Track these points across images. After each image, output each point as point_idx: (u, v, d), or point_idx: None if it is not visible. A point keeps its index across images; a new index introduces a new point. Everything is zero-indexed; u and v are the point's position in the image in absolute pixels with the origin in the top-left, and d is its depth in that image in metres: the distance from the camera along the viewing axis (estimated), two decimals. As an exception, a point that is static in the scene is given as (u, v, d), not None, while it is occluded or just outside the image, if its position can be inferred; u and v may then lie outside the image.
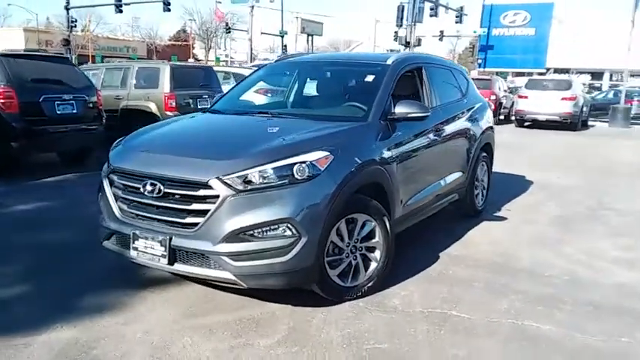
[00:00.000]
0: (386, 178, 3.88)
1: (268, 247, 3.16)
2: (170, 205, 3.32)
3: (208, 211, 3.19)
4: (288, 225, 3.17)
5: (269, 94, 5.78)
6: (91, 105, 8.68)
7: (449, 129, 5.00)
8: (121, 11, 37.07)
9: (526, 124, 18.03)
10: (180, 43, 62.42)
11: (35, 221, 5.59)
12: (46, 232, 5.19)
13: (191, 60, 50.05)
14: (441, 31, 43.44)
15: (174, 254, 3.29)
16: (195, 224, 3.23)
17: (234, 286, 3.41)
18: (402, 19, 28.07)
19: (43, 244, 4.82)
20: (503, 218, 5.99)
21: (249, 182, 3.18)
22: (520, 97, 17.69)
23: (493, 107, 17.62)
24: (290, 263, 3.19)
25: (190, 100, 10.54)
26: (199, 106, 10.69)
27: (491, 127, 6.23)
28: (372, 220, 3.69)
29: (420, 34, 36.57)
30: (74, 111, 8.28)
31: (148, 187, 3.35)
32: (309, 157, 3.30)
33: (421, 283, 4.03)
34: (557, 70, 44.85)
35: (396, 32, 41.55)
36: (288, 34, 47.19)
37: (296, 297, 3.57)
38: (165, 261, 3.30)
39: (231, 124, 4.24)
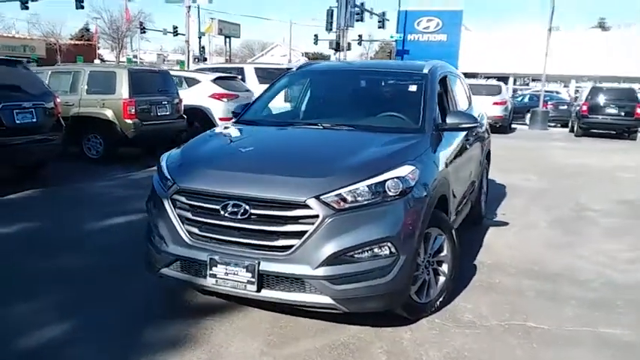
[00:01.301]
0: (448, 189, 3.86)
1: (370, 269, 3.03)
2: (258, 228, 3.09)
3: (305, 232, 3.00)
4: (389, 244, 3.06)
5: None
6: (49, 113, 7.97)
7: (471, 137, 5.06)
8: (27, 7, 34.46)
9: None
10: (83, 42, 58.88)
11: (31, 244, 5.03)
12: (53, 256, 4.68)
13: (97, 61, 47.52)
14: (360, 35, 44.30)
15: (261, 280, 3.07)
16: (289, 247, 3.03)
17: (320, 310, 3.25)
18: (331, 23, 28.28)
19: (59, 270, 4.36)
20: (504, 223, 6.16)
21: (346, 201, 3.03)
22: (456, 101, 18.37)
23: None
24: (390, 284, 3.08)
25: (150, 107, 9.99)
26: (159, 113, 10.19)
27: (489, 135, 6.40)
28: (442, 233, 3.65)
29: (333, 38, 37.40)
30: (34, 120, 7.56)
31: (231, 209, 3.10)
32: (400, 172, 3.20)
33: (478, 295, 4.04)
34: (467, 75, 47.18)
35: (316, 35, 41.91)
36: (204, 35, 46.19)
37: (362, 317, 3.42)
38: (253, 288, 3.07)
39: (295, 138, 4.03)
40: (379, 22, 36.45)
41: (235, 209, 3.10)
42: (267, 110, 4.67)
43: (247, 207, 3.07)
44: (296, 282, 3.05)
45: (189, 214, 3.27)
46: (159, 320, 3.52)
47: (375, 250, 3.04)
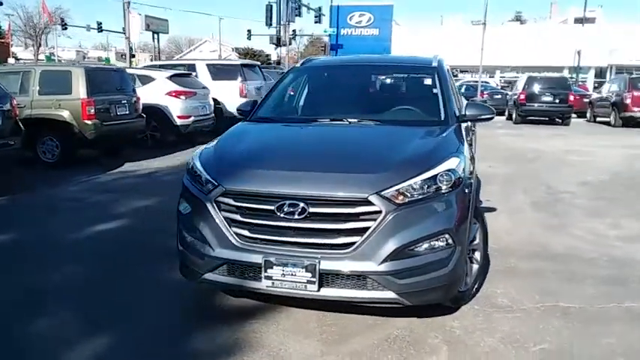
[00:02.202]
0: (475, 177, 3.95)
1: (430, 261, 3.04)
2: (317, 227, 3.03)
3: (367, 229, 2.97)
4: (446, 236, 3.09)
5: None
6: (7, 115, 7.45)
7: (471, 128, 5.19)
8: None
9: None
10: (-7, 41, 55.16)
11: (25, 257, 4.69)
12: (55, 268, 4.39)
13: (11, 60, 44.68)
14: (294, 31, 44.24)
15: (321, 279, 3.02)
16: (350, 244, 2.99)
17: (377, 306, 3.25)
18: (271, 18, 28.03)
19: (67, 283, 4.09)
20: (492, 209, 6.37)
21: (405, 195, 3.03)
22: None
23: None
24: (449, 275, 3.11)
25: (110, 107, 9.54)
26: (119, 113, 9.76)
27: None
28: (476, 222, 3.73)
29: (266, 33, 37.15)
30: (-7, 124, 7.05)
31: (287, 209, 3.02)
32: (450, 164, 3.24)
33: (502, 280, 4.16)
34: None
35: (249, 30, 41.34)
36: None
37: (401, 311, 3.39)
38: (313, 287, 3.01)
39: (330, 135, 3.94)
40: (316, 17, 36.60)
41: (292, 209, 3.02)
42: (281, 107, 4.58)
43: (305, 206, 3.01)
44: (358, 279, 3.02)
45: (237, 217, 3.16)
46: (199, 327, 3.39)
47: (434, 242, 3.06)
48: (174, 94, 11.70)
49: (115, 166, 9.35)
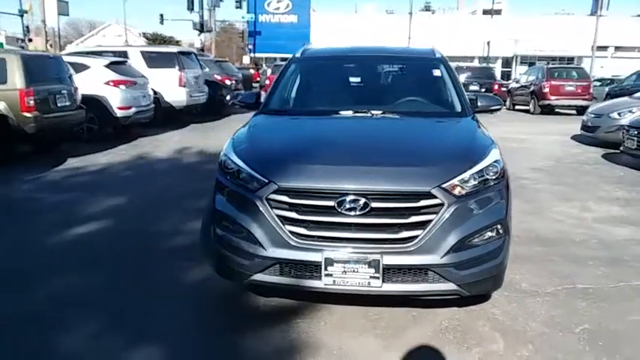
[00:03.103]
0: None
1: (486, 252, 3.10)
2: (379, 221, 2.98)
3: (429, 222, 2.97)
4: (498, 226, 3.15)
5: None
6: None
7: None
8: None
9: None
10: None
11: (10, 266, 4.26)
12: (65, 277, 4.02)
13: None
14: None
15: (384, 274, 2.99)
16: (412, 238, 2.98)
17: (431, 297, 3.28)
18: (193, 2, 27.06)
19: (79, 293, 3.76)
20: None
21: (463, 187, 3.06)
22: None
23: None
24: (501, 265, 3.19)
25: (49, 97, 8.83)
26: (59, 104, 9.07)
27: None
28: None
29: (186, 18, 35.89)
30: None
31: (349, 205, 2.95)
32: (495, 155, 3.31)
33: (515, 266, 4.26)
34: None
35: (161, 15, 39.71)
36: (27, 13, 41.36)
37: (433, 302, 3.50)
38: (377, 283, 2.98)
39: (365, 127, 3.89)
40: (237, 1, 35.74)
41: (354, 204, 2.95)
42: (293, 99, 4.45)
43: (367, 201, 2.95)
44: (419, 272, 3.02)
45: (293, 214, 3.04)
46: (247, 329, 3.25)
47: (489, 233, 3.11)
48: (113, 83, 11.05)
49: (58, 163, 8.69)
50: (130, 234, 5.04)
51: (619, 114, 10.70)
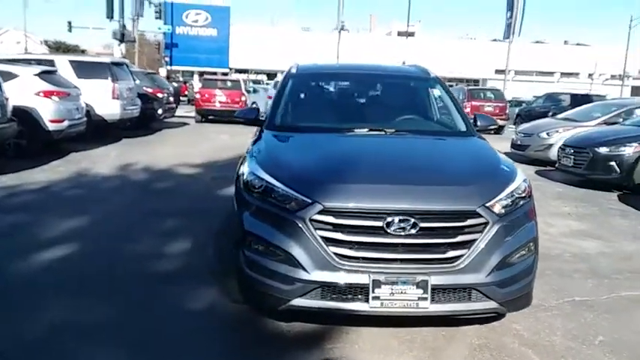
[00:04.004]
0: None
1: (524, 269, 3.18)
2: (427, 241, 2.96)
3: (474, 241, 3.00)
4: (531, 244, 3.24)
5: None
6: None
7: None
8: None
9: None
10: None
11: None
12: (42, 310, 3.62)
13: None
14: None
15: (432, 295, 2.97)
16: (457, 257, 2.99)
17: (460, 317, 3.29)
18: (112, 10, 25.87)
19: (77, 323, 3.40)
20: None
21: (504, 207, 3.12)
22: (270, 97, 18.80)
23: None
24: (533, 281, 3.27)
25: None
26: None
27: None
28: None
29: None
30: None
31: (397, 225, 2.91)
32: (521, 175, 3.41)
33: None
34: (238, 71, 48.48)
35: (69, 22, 37.57)
36: None
37: (450, 320, 3.49)
38: (425, 304, 2.95)
39: (388, 146, 3.90)
40: (156, 12, 34.69)
41: (403, 224, 2.92)
42: (299, 115, 4.36)
43: (416, 221, 2.92)
44: (463, 292, 3.02)
45: (338, 235, 2.95)
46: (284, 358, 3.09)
47: (523, 251, 3.19)
48: (44, 93, 10.26)
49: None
50: (103, 259, 4.65)
51: (547, 134, 11.46)
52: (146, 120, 15.41)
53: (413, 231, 2.93)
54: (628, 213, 7.35)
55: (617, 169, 8.38)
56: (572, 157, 9.21)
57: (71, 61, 12.95)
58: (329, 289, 2.99)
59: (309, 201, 2.98)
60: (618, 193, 8.60)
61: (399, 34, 50.64)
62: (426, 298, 2.94)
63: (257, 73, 51.41)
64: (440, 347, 3.28)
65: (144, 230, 5.53)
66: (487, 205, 3.04)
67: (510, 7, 28.98)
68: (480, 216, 3.01)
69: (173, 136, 14.94)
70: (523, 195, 3.27)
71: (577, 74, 54.01)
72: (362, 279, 2.92)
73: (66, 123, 10.52)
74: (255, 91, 23.76)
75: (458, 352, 3.23)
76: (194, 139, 14.07)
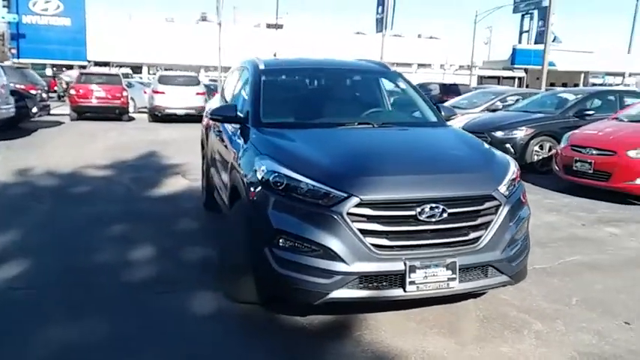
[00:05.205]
0: None
1: (524, 244, 3.54)
2: (453, 226, 3.19)
3: (490, 222, 3.28)
4: (527, 222, 3.61)
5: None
6: None
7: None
8: None
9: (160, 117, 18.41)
10: None
11: None
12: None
13: None
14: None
15: (460, 274, 3.21)
16: (478, 238, 3.25)
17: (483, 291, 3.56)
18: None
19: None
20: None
21: (508, 189, 3.43)
22: (156, 92, 17.93)
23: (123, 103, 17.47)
24: (528, 254, 3.64)
25: None
26: None
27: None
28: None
29: None
30: None
31: (428, 212, 3.10)
32: (512, 160, 3.76)
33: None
34: (99, 64, 45.36)
35: None
36: None
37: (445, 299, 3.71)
38: (455, 283, 3.18)
39: (387, 138, 4.05)
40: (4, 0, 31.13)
41: (433, 212, 3.11)
42: (281, 112, 4.32)
43: (445, 207, 3.13)
44: (482, 269, 3.30)
45: (375, 226, 3.06)
46: (321, 353, 3.14)
47: (522, 227, 3.54)
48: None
49: None
50: (74, 270, 4.28)
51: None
52: (19, 120, 13.97)
53: (442, 217, 3.13)
54: (530, 189, 8.23)
55: (512, 151, 9.31)
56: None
57: None
58: (366, 279, 3.09)
59: (345, 195, 3.05)
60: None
61: (268, 26, 50.78)
62: (454, 278, 3.16)
63: (120, 66, 48.47)
64: (453, 323, 3.54)
65: (95, 236, 5.14)
66: (498, 188, 3.34)
67: (381, 2, 30.46)
68: (495, 199, 3.29)
69: (55, 136, 13.70)
70: (517, 179, 3.61)
71: (430, 65, 58.26)
72: (398, 266, 3.07)
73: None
74: (130, 85, 22.48)
75: (471, 325, 3.51)
76: (81, 139, 13.03)
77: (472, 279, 3.28)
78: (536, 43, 38.67)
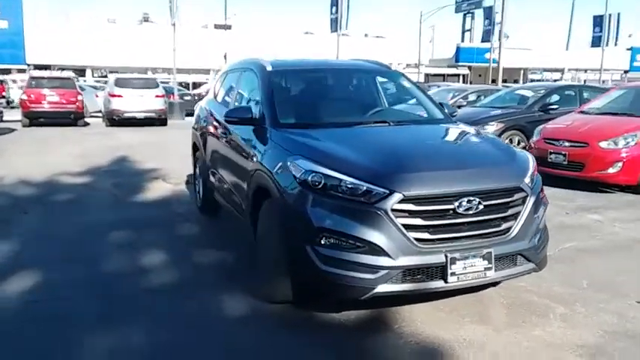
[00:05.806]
0: None
1: (545, 232, 3.73)
2: (488, 217, 3.32)
3: (519, 213, 3.44)
4: (545, 212, 3.79)
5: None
6: None
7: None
8: None
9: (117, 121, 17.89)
10: None
11: None
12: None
13: None
14: None
15: (495, 264, 3.35)
16: (509, 228, 3.41)
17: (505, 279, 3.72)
18: None
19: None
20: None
21: (531, 181, 3.60)
22: (113, 95, 17.41)
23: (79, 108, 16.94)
24: (548, 242, 3.84)
25: None
26: None
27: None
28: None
29: None
30: None
31: (466, 205, 3.23)
32: (529, 154, 3.95)
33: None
34: (38, 67, 43.62)
35: None
36: None
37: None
38: (491, 272, 3.32)
39: (409, 135, 4.17)
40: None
41: (469, 205, 3.24)
42: (296, 112, 4.35)
43: (481, 200, 3.26)
44: (512, 258, 3.46)
45: (418, 221, 3.17)
46: (367, 347, 3.22)
47: (543, 218, 3.72)
48: None
49: None
50: (90, 282, 4.18)
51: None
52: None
53: (478, 209, 3.27)
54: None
55: (485, 145, 9.62)
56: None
57: None
58: (409, 272, 3.18)
59: (387, 191, 3.14)
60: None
61: (216, 26, 50.19)
62: (490, 268, 3.30)
63: (61, 68, 46.71)
64: (482, 311, 3.69)
65: (101, 247, 5.00)
66: (525, 180, 3.51)
67: (335, 2, 30.71)
68: (523, 190, 3.46)
69: (13, 144, 13.15)
70: (535, 172, 3.80)
71: (379, 63, 59.13)
72: (440, 258, 3.18)
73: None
74: (81, 89, 21.78)
75: (500, 312, 3.68)
76: (43, 146, 12.52)
77: (505, 267, 3.43)
78: (483, 41, 39.99)
